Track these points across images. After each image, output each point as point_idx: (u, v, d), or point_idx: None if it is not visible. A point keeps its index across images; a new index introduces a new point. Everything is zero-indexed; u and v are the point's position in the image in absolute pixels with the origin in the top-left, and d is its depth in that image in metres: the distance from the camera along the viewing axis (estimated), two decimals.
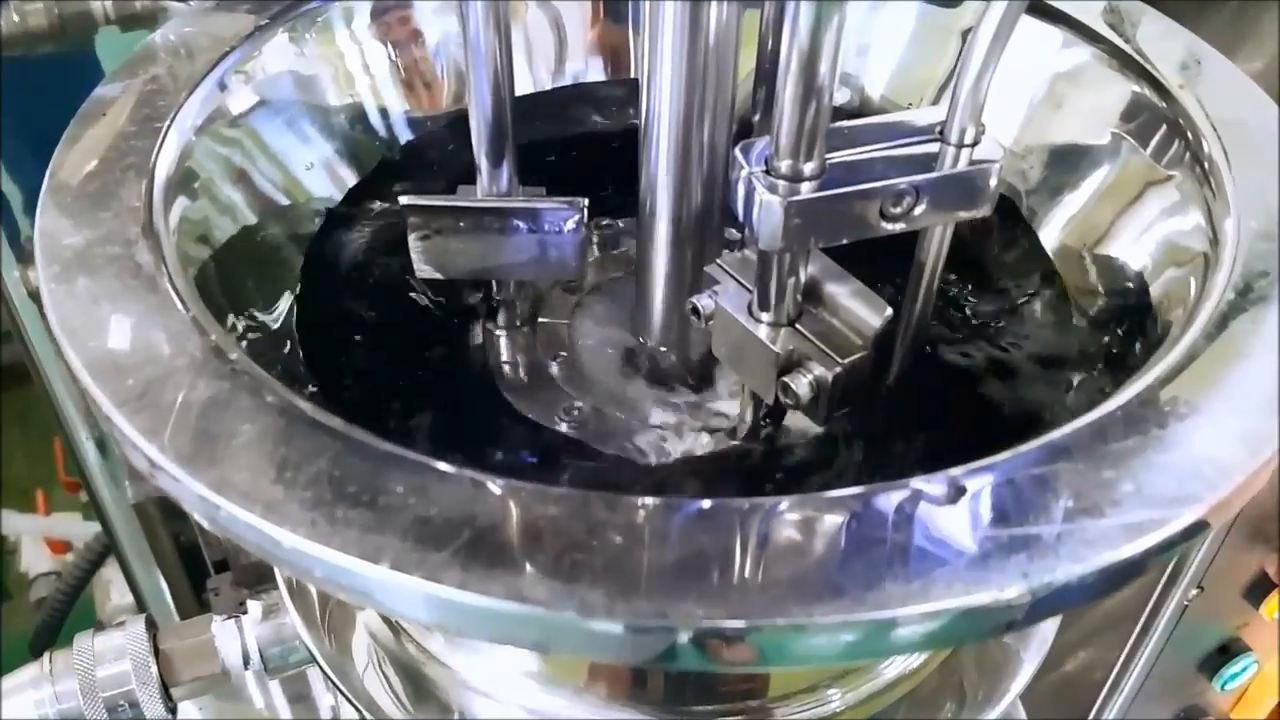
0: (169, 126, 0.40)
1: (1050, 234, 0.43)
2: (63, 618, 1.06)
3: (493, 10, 0.36)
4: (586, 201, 0.40)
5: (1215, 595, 0.81)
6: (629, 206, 0.41)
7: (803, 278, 0.35)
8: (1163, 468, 0.28)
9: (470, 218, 0.40)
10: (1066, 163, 0.43)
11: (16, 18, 0.66)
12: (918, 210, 0.33)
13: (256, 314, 0.39)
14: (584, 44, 0.51)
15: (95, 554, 1.02)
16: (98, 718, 0.48)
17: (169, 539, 0.86)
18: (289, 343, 0.40)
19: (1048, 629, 0.48)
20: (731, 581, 0.26)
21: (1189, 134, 0.40)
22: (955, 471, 0.28)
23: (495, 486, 0.28)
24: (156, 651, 0.50)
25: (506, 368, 0.43)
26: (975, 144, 0.33)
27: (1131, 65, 0.43)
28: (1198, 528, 0.27)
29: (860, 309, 0.35)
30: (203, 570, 0.85)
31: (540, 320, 0.44)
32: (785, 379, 0.35)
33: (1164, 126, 0.41)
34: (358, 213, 0.45)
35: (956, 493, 0.27)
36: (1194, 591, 0.81)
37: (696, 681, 0.40)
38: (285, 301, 0.41)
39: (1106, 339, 0.39)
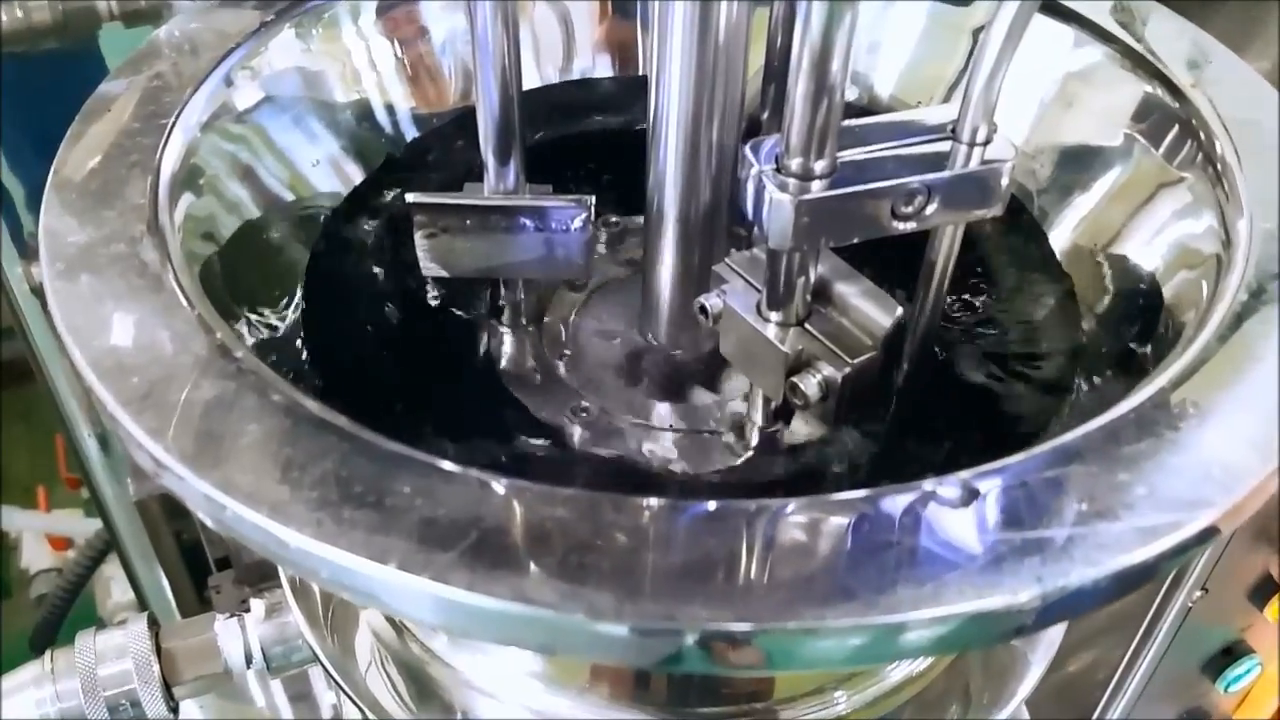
0: (174, 123, 0.40)
1: (1061, 235, 0.43)
2: (63, 615, 1.06)
3: (500, 7, 0.35)
4: (593, 199, 0.40)
5: (1219, 597, 0.81)
6: (635, 203, 0.41)
7: (812, 277, 0.35)
8: (1176, 471, 0.28)
9: (477, 216, 0.40)
10: (1078, 163, 0.43)
11: (20, 13, 0.65)
12: (929, 209, 0.33)
13: (261, 311, 0.39)
14: (591, 41, 0.51)
15: (96, 551, 1.02)
16: (99, 717, 0.48)
17: (171, 536, 0.86)
18: (293, 340, 0.40)
19: (1055, 632, 0.48)
20: (742, 584, 0.25)
21: (1201, 134, 0.40)
22: (968, 474, 0.28)
23: (502, 487, 0.28)
24: (159, 650, 0.49)
25: (512, 366, 0.43)
26: (987, 143, 0.33)
27: (1143, 65, 0.43)
28: (1211, 532, 0.27)
29: (870, 309, 0.34)
30: (204, 568, 0.84)
31: (546, 319, 0.44)
32: (794, 379, 0.35)
33: (1176, 126, 0.41)
34: (364, 210, 0.45)
35: (969, 495, 0.27)
36: (1198, 593, 0.80)
37: (701, 683, 0.40)
38: (290, 299, 0.41)
39: (1118, 341, 0.39)
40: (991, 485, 0.28)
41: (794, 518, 0.27)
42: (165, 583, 0.88)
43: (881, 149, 0.33)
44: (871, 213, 0.32)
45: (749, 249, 0.37)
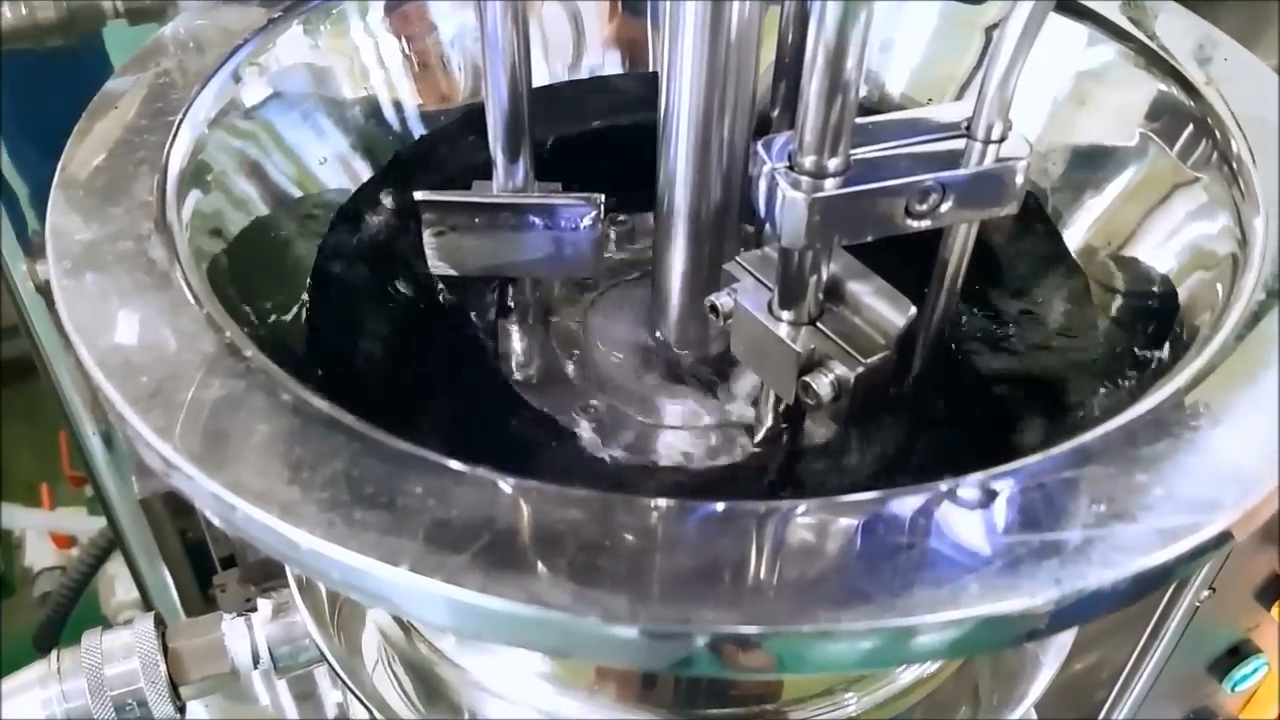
0: (181, 119, 0.39)
1: (1075, 234, 0.42)
2: (67, 613, 1.06)
3: (510, 4, 0.35)
4: (603, 198, 0.39)
5: (1226, 597, 0.81)
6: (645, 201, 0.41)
7: (824, 275, 0.34)
8: (1195, 472, 0.28)
9: (485, 214, 0.40)
10: (1092, 162, 0.43)
11: (25, 11, 0.65)
12: (944, 207, 0.33)
13: (269, 309, 0.39)
14: (601, 38, 0.51)
15: (100, 549, 1.02)
16: (106, 717, 0.48)
17: (175, 534, 0.85)
18: (301, 338, 0.39)
19: (1067, 634, 0.47)
20: (758, 587, 0.25)
21: (1216, 132, 0.39)
22: (984, 475, 0.27)
23: (514, 488, 0.27)
24: (165, 650, 0.49)
25: (521, 365, 0.42)
26: (1002, 140, 0.33)
27: (1157, 62, 0.42)
28: (1231, 534, 0.27)
29: (883, 308, 0.34)
30: (209, 566, 0.84)
31: (555, 318, 0.44)
32: (806, 379, 0.34)
33: (1191, 124, 0.41)
34: (371, 207, 0.45)
35: (986, 496, 0.27)
36: (1205, 593, 0.80)
37: (711, 684, 0.40)
38: (298, 297, 0.41)
39: (1133, 340, 0.38)
40: (1008, 486, 0.27)
41: (808, 519, 0.27)
42: (170, 581, 0.88)
43: (894, 147, 0.32)
44: (885, 211, 0.32)
45: (760, 247, 0.37)
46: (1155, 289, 0.39)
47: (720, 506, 0.27)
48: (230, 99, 0.42)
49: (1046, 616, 0.25)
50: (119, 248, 0.34)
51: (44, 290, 0.70)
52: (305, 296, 0.41)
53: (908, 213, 0.32)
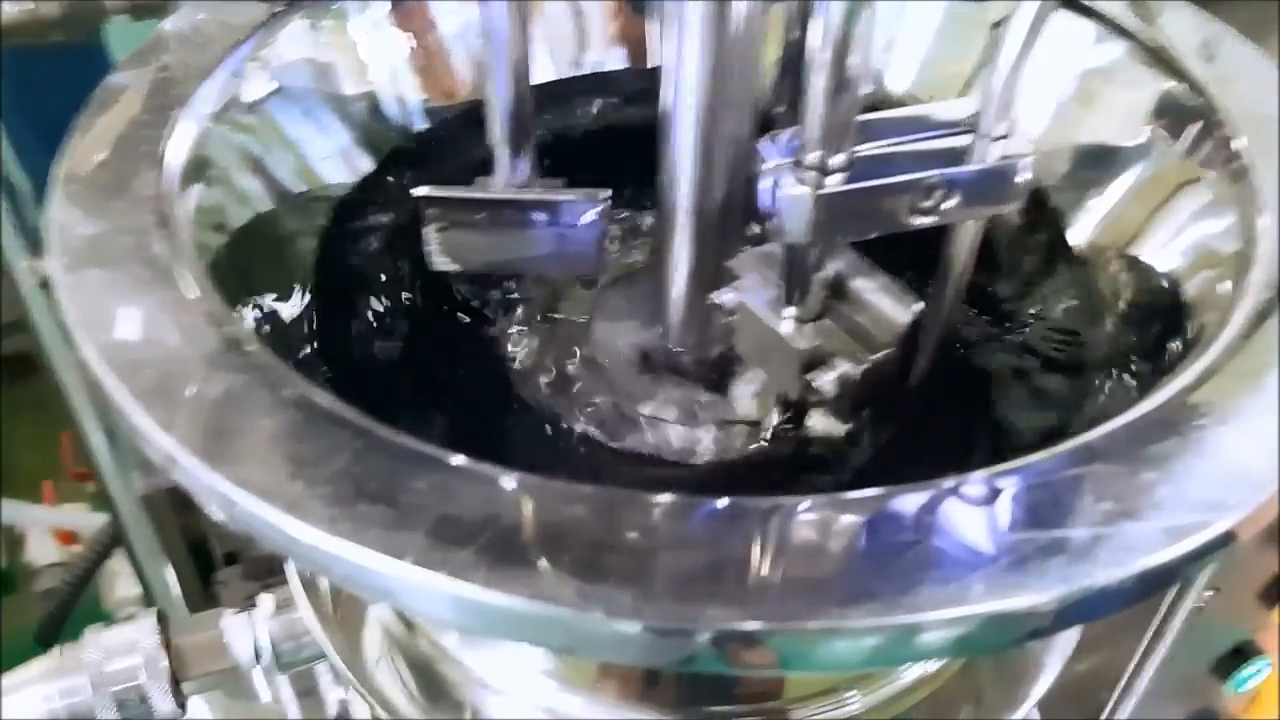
0: (183, 114, 0.39)
1: (1080, 232, 0.42)
2: (69, 609, 1.05)
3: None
4: (607, 193, 0.39)
5: (1230, 597, 0.81)
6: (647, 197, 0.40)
7: (828, 272, 0.34)
8: (1201, 471, 0.28)
9: (488, 210, 0.39)
10: (1097, 160, 0.43)
11: (28, 5, 0.65)
12: (948, 204, 0.32)
13: (272, 304, 0.39)
14: (604, 33, 0.50)
15: (102, 545, 1.02)
16: (107, 713, 0.48)
17: (177, 530, 0.86)
18: (304, 333, 0.39)
19: (1070, 634, 0.47)
20: (763, 584, 0.25)
21: (1222, 129, 0.39)
22: (990, 472, 0.27)
23: (518, 484, 0.27)
24: (167, 646, 0.49)
25: (523, 361, 0.42)
26: (1007, 137, 0.32)
27: (1162, 60, 0.42)
28: (1235, 533, 0.27)
29: (888, 304, 0.34)
30: (211, 562, 0.84)
31: (558, 314, 0.44)
32: (810, 376, 0.34)
33: (1196, 122, 0.40)
34: (373, 202, 0.45)
35: (992, 494, 0.27)
36: (1208, 593, 0.80)
37: (714, 682, 0.40)
38: (300, 291, 0.40)
39: (1139, 338, 0.38)
40: (1014, 484, 0.27)
41: (813, 516, 0.27)
42: (172, 577, 0.88)
43: (898, 143, 0.32)
44: (889, 208, 0.32)
45: (763, 244, 0.37)
46: (1162, 285, 0.39)
47: (724, 503, 0.27)
48: (232, 94, 0.42)
49: (1053, 614, 0.25)
50: (121, 242, 0.34)
51: (47, 286, 0.70)
52: (307, 290, 0.40)
53: (912, 210, 0.32)
